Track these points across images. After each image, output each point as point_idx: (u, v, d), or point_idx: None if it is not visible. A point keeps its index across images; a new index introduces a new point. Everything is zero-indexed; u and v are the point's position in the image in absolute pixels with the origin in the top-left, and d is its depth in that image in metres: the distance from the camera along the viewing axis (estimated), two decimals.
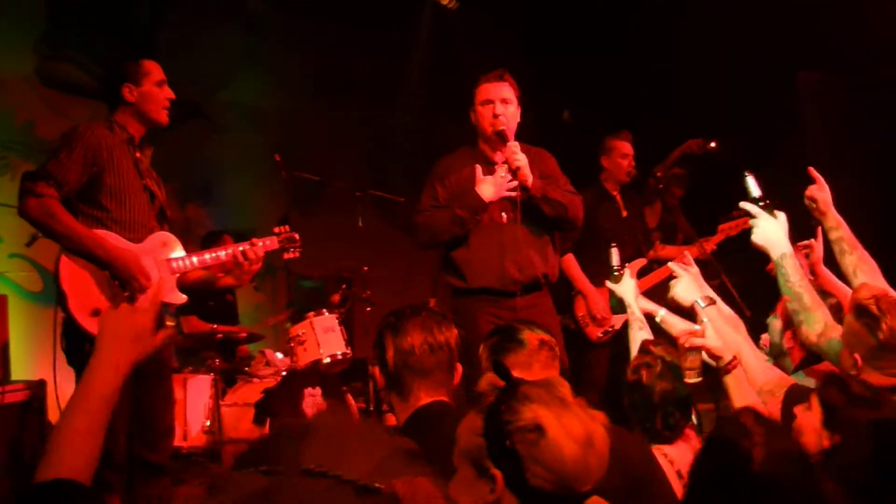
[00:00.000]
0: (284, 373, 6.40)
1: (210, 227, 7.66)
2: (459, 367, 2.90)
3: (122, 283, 4.18)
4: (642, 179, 6.80)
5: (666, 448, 3.18)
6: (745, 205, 3.48)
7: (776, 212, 3.47)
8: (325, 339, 6.30)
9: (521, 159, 4.87)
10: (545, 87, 9.52)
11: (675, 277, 3.60)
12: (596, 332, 6.25)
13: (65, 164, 4.13)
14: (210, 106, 8.60)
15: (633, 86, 8.46)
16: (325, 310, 6.45)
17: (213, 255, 4.47)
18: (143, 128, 4.50)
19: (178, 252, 4.43)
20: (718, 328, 3.31)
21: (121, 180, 4.29)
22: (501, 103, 5.02)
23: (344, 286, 6.91)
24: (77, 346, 4.10)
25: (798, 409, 2.69)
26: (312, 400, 6.15)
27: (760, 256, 5.30)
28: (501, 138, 4.96)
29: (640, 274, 6.38)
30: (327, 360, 6.26)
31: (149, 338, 2.23)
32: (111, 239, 4.20)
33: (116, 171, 4.28)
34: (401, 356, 2.78)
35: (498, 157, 5.07)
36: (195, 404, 6.48)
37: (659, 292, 6.31)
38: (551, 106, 9.79)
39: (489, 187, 4.91)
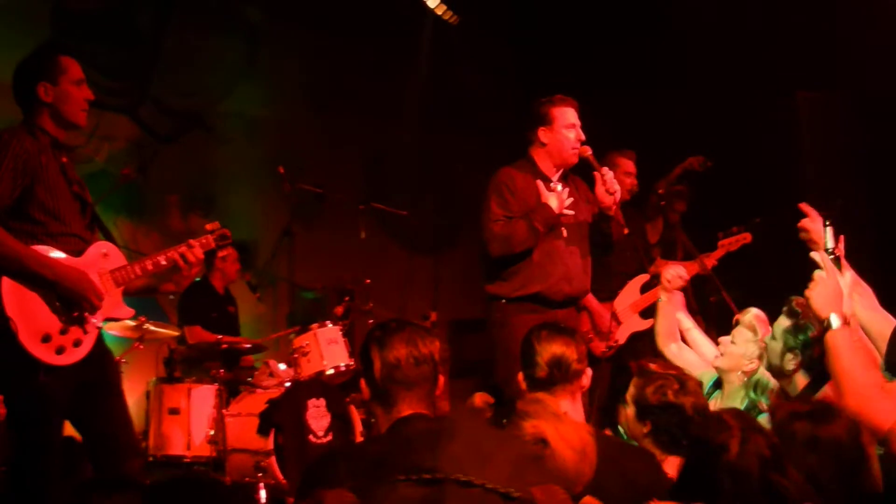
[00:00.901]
0: (288, 384, 6.42)
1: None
2: (442, 379, 2.97)
3: (68, 303, 3.84)
4: (643, 196, 6.86)
5: (670, 467, 3.20)
6: (815, 255, 3.25)
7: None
8: (328, 350, 6.35)
9: (618, 187, 5.21)
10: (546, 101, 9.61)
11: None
12: (600, 348, 6.29)
13: None
14: (211, 117, 8.64)
15: (633, 103, 8.51)
16: (328, 321, 6.49)
17: (154, 261, 4.13)
18: (61, 130, 4.06)
19: (120, 260, 4.10)
20: (845, 355, 3.13)
21: (52, 191, 3.91)
22: (580, 129, 5.34)
23: (347, 298, 6.95)
24: (20, 376, 3.76)
25: None
26: (316, 411, 6.18)
27: (759, 273, 5.36)
28: (588, 164, 5.25)
29: (643, 289, 6.44)
30: (331, 371, 6.30)
31: None
32: (53, 255, 3.85)
33: (47, 181, 3.89)
34: (387, 369, 2.83)
35: (554, 174, 5.34)
36: (199, 414, 6.51)
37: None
38: None
39: (555, 202, 5.16)
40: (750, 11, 7.90)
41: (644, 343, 6.02)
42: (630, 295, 6.45)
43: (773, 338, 3.78)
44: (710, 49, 8.04)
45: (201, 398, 6.52)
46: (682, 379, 3.29)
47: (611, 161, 6.66)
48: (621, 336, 6.28)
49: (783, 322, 3.74)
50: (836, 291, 3.05)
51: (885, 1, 7.08)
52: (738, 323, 4.46)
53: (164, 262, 4.14)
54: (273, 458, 6.09)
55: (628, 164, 6.65)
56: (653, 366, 3.38)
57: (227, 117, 8.70)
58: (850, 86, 7.61)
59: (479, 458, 2.23)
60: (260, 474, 6.05)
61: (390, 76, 9.26)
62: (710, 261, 6.55)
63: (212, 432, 6.37)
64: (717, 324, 6.18)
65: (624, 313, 6.35)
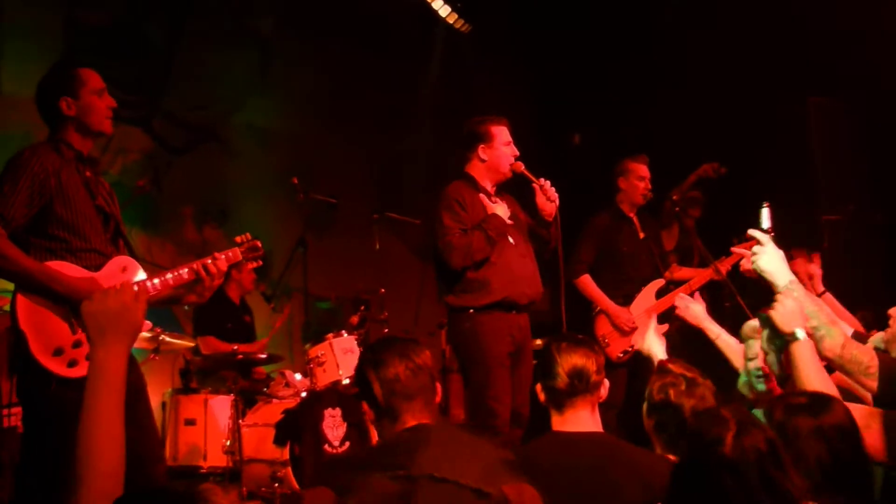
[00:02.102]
0: (304, 394, 6.43)
1: (226, 248, 7.69)
2: (439, 387, 3.00)
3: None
4: (658, 202, 6.85)
5: None
6: (754, 232, 3.57)
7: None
8: (344, 360, 6.34)
9: (556, 194, 5.44)
10: (555, 112, 9.64)
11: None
12: (615, 353, 6.30)
13: (9, 197, 3.81)
14: (225, 129, 8.67)
15: (643, 109, 8.52)
16: (343, 331, 6.50)
17: (175, 274, 4.14)
18: (88, 142, 4.11)
19: (139, 275, 4.13)
20: (811, 363, 3.30)
21: (72, 207, 3.96)
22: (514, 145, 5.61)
23: (362, 307, 6.95)
24: (36, 387, 3.84)
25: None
26: (332, 420, 6.19)
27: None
28: (523, 178, 5.52)
29: (658, 295, 6.44)
30: (346, 381, 6.30)
31: (134, 313, 2.28)
32: (67, 270, 3.90)
33: (66, 197, 3.94)
34: (388, 386, 2.86)
35: (492, 188, 5.60)
36: (215, 425, 6.54)
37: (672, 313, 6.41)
38: (561, 130, 9.91)
39: (501, 212, 5.41)
40: (761, 16, 7.90)
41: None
42: (645, 300, 6.44)
43: (768, 352, 3.73)
44: (721, 55, 8.05)
45: (217, 408, 6.55)
46: (693, 382, 3.30)
47: (624, 167, 6.68)
48: (637, 341, 6.27)
49: (752, 323, 3.84)
50: (797, 307, 3.27)
51: None
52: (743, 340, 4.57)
53: (185, 277, 4.15)
54: (289, 469, 6.10)
55: (641, 169, 6.65)
56: (672, 365, 3.40)
57: (240, 129, 8.74)
58: (862, 91, 7.60)
59: (454, 459, 2.28)
60: (276, 484, 6.05)
61: (402, 86, 9.28)
62: (725, 266, 6.54)
63: (228, 442, 6.39)
64: (733, 330, 6.17)
65: (639, 318, 6.35)
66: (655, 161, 6.79)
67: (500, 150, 5.55)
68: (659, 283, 6.51)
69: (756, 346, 4.46)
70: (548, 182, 5.43)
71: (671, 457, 3.23)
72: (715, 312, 7.33)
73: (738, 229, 6.91)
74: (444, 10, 9.07)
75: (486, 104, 9.47)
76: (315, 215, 7.34)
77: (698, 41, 8.26)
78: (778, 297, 3.36)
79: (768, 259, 3.45)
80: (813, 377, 3.18)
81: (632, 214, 6.72)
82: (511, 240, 5.46)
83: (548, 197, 5.40)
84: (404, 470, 1.53)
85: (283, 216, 7.94)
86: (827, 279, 5.94)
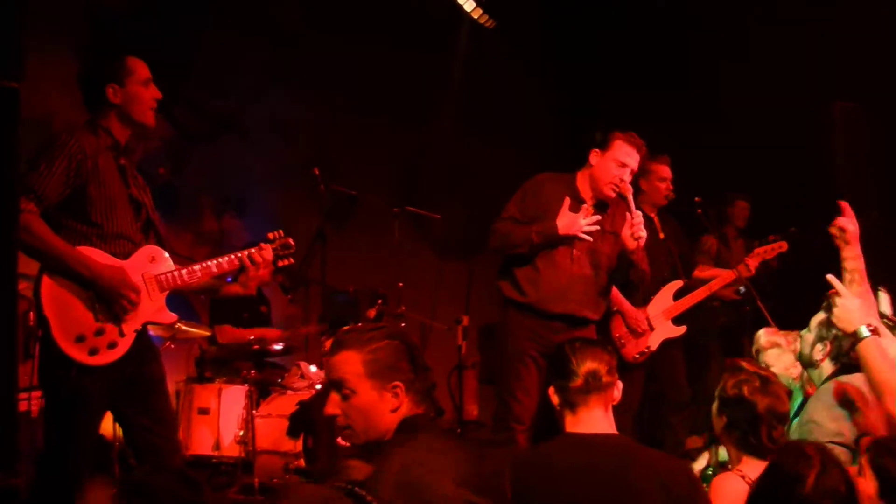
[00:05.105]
0: (319, 386, 6.42)
1: (245, 238, 7.67)
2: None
3: (107, 303, 3.88)
4: (678, 203, 6.80)
5: (750, 469, 3.19)
6: (833, 280, 3.59)
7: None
8: None
9: (644, 234, 5.22)
10: (579, 107, 9.60)
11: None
12: (632, 353, 6.25)
13: (45, 176, 3.82)
14: (245, 119, 8.66)
15: (667, 111, 8.48)
16: (360, 324, 6.47)
17: (205, 266, 4.16)
18: (128, 131, 4.13)
19: (167, 265, 4.12)
20: (878, 361, 3.33)
21: (106, 192, 3.97)
22: (632, 173, 5.39)
23: (379, 301, 6.92)
24: (57, 372, 3.84)
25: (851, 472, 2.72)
26: None
27: (792, 282, 5.34)
28: (623, 199, 5.35)
29: (677, 296, 6.40)
30: None
31: None
32: (96, 256, 3.90)
33: (101, 181, 3.96)
34: None
35: (589, 198, 5.39)
36: (228, 414, 6.52)
37: (694, 313, 6.38)
38: (585, 127, 9.84)
39: (567, 222, 5.19)
40: (787, 20, 7.86)
41: None
42: (663, 301, 6.39)
43: (808, 330, 3.95)
44: (747, 59, 8.02)
45: (231, 398, 6.53)
46: (767, 380, 3.32)
47: (646, 167, 6.62)
48: (653, 343, 6.23)
49: (819, 316, 3.90)
50: (859, 307, 3.36)
51: None
52: (758, 352, 4.67)
53: (214, 269, 4.16)
54: (302, 460, 6.09)
55: (664, 170, 6.61)
56: (744, 363, 3.42)
57: (261, 119, 8.72)
58: (888, 96, 7.54)
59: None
60: (288, 476, 6.04)
61: (425, 79, 9.25)
62: (746, 270, 6.55)
63: (241, 433, 6.38)
64: (750, 335, 6.15)
65: (656, 319, 6.31)
66: (679, 161, 6.75)
67: (610, 164, 5.34)
68: (677, 284, 6.47)
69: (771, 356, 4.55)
70: (640, 217, 5.23)
71: (746, 458, 3.25)
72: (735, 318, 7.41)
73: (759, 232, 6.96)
74: (468, 5, 9.03)
75: (509, 101, 9.49)
76: (335, 207, 7.32)
77: (727, 43, 8.23)
78: (835, 299, 3.43)
79: (840, 314, 3.47)
80: (885, 373, 3.22)
81: (653, 215, 6.67)
82: (574, 252, 5.32)
83: (633, 234, 5.19)
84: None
85: (303, 207, 7.91)
86: None
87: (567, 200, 5.25)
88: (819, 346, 3.91)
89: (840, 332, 3.66)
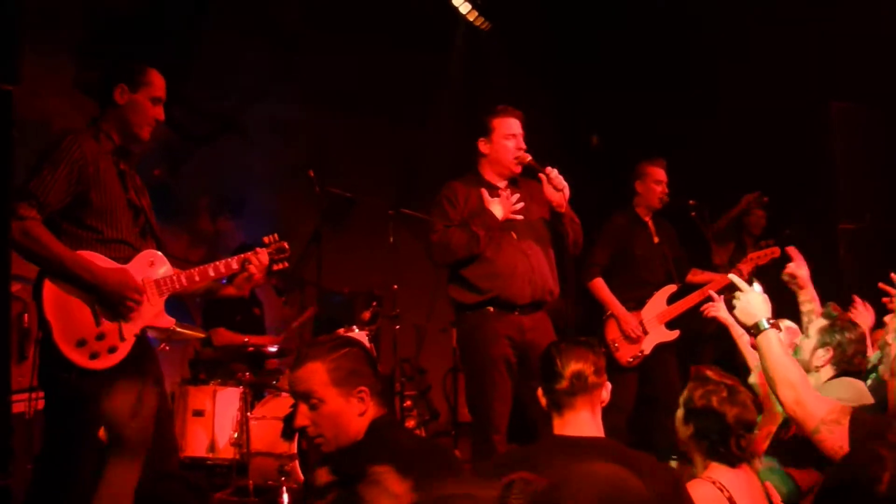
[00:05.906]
0: None
1: (241, 239, 7.65)
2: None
3: (110, 306, 3.92)
4: (673, 205, 6.79)
5: (718, 475, 3.19)
6: (734, 277, 3.73)
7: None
8: None
9: (565, 183, 5.16)
10: (576, 111, 9.60)
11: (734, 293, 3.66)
12: (626, 357, 6.26)
13: (48, 182, 3.83)
14: (243, 120, 8.65)
15: (667, 111, 8.48)
16: (354, 326, 6.48)
17: (203, 270, 4.20)
18: (121, 138, 4.13)
19: (166, 270, 4.15)
20: (776, 352, 3.40)
21: (107, 198, 3.99)
22: (521, 137, 5.34)
23: (374, 303, 6.92)
24: (57, 375, 3.86)
25: None
26: None
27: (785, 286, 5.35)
28: (531, 169, 5.27)
29: (670, 300, 6.40)
30: None
31: None
32: (97, 260, 3.93)
33: (102, 187, 3.97)
34: None
35: (501, 182, 5.39)
36: (223, 417, 6.53)
37: (689, 316, 6.38)
38: (580, 129, 9.86)
39: (499, 208, 5.14)
40: (787, 20, 7.86)
41: None
42: (657, 305, 6.41)
43: (807, 336, 4.10)
44: (747, 58, 8.02)
45: (226, 401, 6.53)
46: (734, 389, 3.30)
47: (641, 170, 6.64)
48: (647, 346, 6.24)
49: (820, 322, 4.07)
50: (760, 302, 3.50)
51: None
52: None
53: (212, 274, 4.20)
54: (297, 462, 6.09)
55: (659, 173, 6.62)
56: (710, 372, 3.38)
57: (259, 120, 8.71)
58: (887, 96, 7.54)
59: None
60: (283, 478, 6.04)
61: (422, 81, 9.24)
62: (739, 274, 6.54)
63: (236, 435, 6.38)
64: None
65: (650, 323, 6.31)
66: (675, 163, 6.75)
67: (500, 143, 5.33)
68: (671, 288, 6.48)
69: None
70: (555, 171, 5.17)
71: (714, 464, 3.24)
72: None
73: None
74: (464, 8, 9.02)
75: (505, 102, 9.47)
76: (331, 209, 7.31)
77: (727, 43, 8.23)
78: (737, 294, 3.57)
79: (741, 309, 3.56)
80: (783, 365, 3.38)
81: (647, 218, 6.68)
82: (514, 235, 5.27)
83: (555, 186, 5.15)
84: None
85: (299, 209, 7.91)
86: (843, 288, 5.90)
87: (484, 192, 5.22)
88: (820, 352, 4.02)
89: (843, 336, 3.94)
